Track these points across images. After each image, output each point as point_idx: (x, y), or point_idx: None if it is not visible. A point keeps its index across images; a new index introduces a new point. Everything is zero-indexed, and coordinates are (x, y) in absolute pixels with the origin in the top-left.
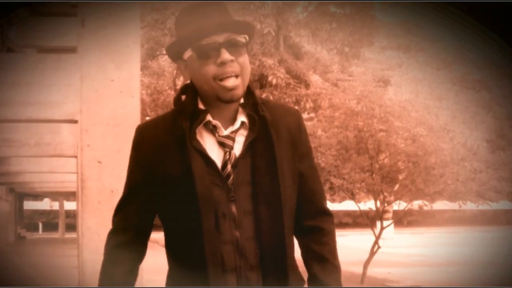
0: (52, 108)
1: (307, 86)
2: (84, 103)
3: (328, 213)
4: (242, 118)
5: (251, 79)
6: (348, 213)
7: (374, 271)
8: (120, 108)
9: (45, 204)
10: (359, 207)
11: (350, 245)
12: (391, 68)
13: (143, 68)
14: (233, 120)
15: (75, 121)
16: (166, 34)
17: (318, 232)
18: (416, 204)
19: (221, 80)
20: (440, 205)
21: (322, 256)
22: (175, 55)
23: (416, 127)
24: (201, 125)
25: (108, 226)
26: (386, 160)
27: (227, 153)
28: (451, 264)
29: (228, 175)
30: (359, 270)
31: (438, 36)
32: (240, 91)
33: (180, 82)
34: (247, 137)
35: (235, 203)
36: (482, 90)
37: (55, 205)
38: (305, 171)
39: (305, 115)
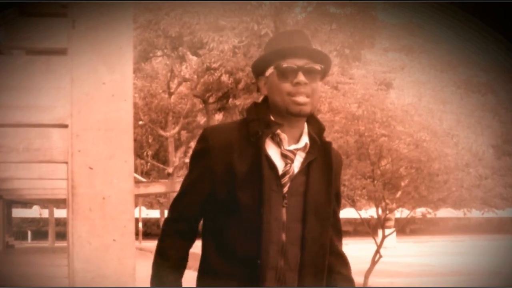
0: (41, 112)
1: None
2: (74, 107)
3: (341, 249)
4: (306, 139)
5: (249, 82)
6: (348, 221)
7: (375, 281)
8: (112, 112)
9: (35, 212)
10: (360, 215)
11: (350, 254)
12: (393, 71)
13: (136, 70)
14: (298, 139)
15: (66, 126)
16: (160, 35)
17: (341, 257)
18: (419, 211)
19: (293, 96)
20: (444, 212)
21: (347, 277)
22: (259, 71)
23: (419, 132)
24: (269, 136)
25: (100, 234)
26: (388, 166)
27: (288, 165)
28: (455, 274)
29: (285, 184)
30: (360, 280)
31: (442, 38)
32: (308, 108)
33: (174, 85)
34: (307, 157)
35: (287, 210)
36: (488, 93)
37: (45, 213)
38: (335, 207)
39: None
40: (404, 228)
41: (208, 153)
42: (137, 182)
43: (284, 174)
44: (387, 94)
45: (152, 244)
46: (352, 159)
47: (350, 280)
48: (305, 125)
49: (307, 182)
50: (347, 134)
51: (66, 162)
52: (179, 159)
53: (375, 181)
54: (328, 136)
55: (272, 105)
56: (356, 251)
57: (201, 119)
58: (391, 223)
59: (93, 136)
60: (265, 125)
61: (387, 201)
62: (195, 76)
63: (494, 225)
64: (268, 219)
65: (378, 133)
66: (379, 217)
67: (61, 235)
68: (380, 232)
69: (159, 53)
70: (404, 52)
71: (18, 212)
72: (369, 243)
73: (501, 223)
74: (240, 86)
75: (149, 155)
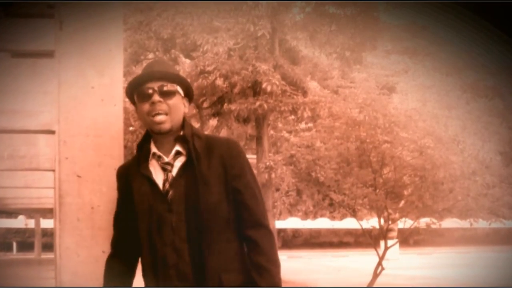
0: (27, 117)
1: (304, 93)
2: (62, 112)
3: (264, 226)
4: (177, 147)
5: (245, 86)
6: (349, 232)
7: None
8: (101, 117)
9: (20, 222)
10: (361, 225)
11: (351, 266)
12: (396, 74)
13: (126, 74)
14: (171, 149)
15: (53, 132)
16: (151, 37)
17: (252, 243)
18: (423, 222)
19: (153, 116)
20: (449, 223)
21: (257, 264)
22: (130, 99)
23: (424, 138)
24: (150, 156)
25: (88, 245)
26: (390, 174)
27: (166, 175)
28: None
29: (167, 192)
30: None
31: (447, 39)
32: (167, 125)
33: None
34: (183, 162)
35: (173, 214)
36: (496, 98)
37: (31, 223)
38: (240, 188)
39: (302, 125)
40: (408, 239)
41: (119, 190)
42: None
43: (164, 183)
44: (390, 98)
45: None
46: (353, 167)
47: (257, 265)
48: (180, 133)
49: (185, 184)
50: (348, 140)
51: (53, 170)
52: None
53: (377, 190)
54: (328, 143)
55: (149, 129)
56: (357, 263)
57: (195, 125)
58: (394, 233)
59: (81, 143)
60: (146, 150)
61: (390, 210)
62: (188, 80)
63: (502, 236)
64: (155, 228)
65: (380, 140)
66: (381, 227)
67: (48, 247)
68: (382, 243)
69: (150, 55)
70: (407, 55)
71: (3, 223)
72: (370, 255)
73: (510, 234)
74: (236, 90)
75: None
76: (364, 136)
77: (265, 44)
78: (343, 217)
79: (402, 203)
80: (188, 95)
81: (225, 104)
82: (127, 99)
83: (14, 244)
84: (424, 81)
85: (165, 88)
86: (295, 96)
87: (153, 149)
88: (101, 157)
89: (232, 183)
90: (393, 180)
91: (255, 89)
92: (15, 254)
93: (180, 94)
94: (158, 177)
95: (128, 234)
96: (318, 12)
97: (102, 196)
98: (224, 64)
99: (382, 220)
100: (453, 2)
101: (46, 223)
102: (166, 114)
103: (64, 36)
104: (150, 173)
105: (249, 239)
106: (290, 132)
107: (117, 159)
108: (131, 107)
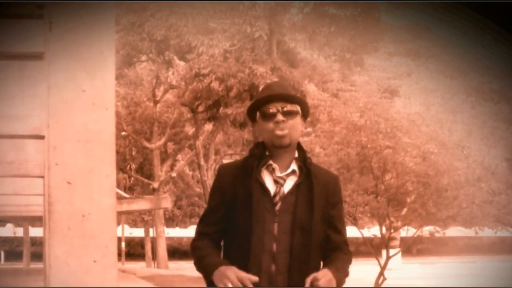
0: (16, 122)
1: (303, 97)
2: (51, 117)
3: (346, 243)
4: (294, 167)
5: (241, 89)
6: (350, 240)
7: None
8: (92, 122)
9: (8, 231)
10: (362, 234)
11: (352, 277)
12: (398, 77)
13: (119, 77)
14: (288, 166)
15: (42, 137)
16: (144, 38)
17: (336, 251)
18: (426, 230)
19: (275, 132)
20: (454, 231)
21: (337, 258)
22: (253, 118)
23: (427, 144)
24: (264, 166)
25: (79, 255)
26: (392, 181)
27: (278, 188)
28: None
29: (276, 203)
30: None
31: (452, 41)
32: (287, 140)
33: (160, 93)
34: (296, 181)
35: (278, 224)
36: (502, 101)
37: (19, 232)
38: (334, 214)
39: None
40: (410, 248)
41: (218, 186)
42: (119, 198)
43: (275, 196)
44: (392, 102)
45: (136, 266)
46: (353, 173)
47: (337, 269)
48: (295, 154)
49: (296, 202)
50: (348, 146)
51: (43, 177)
52: (166, 173)
53: (379, 197)
54: (327, 148)
55: (265, 142)
56: (358, 273)
57: (189, 130)
58: (396, 242)
59: (72, 148)
60: (259, 159)
61: (392, 218)
62: (183, 83)
63: (509, 244)
64: (259, 233)
65: (382, 145)
66: (383, 236)
67: (37, 256)
68: (384, 252)
69: (143, 57)
70: (410, 57)
71: None
72: (372, 265)
73: None
74: (232, 93)
75: (133, 168)
76: (365, 141)
77: (263, 46)
78: None
79: (404, 210)
80: (305, 114)
81: (221, 108)
82: (119, 103)
83: (2, 253)
84: (428, 84)
85: (287, 109)
86: None
87: (269, 161)
88: (92, 163)
89: (330, 211)
90: (395, 187)
91: (252, 92)
92: (2, 264)
93: (299, 114)
94: (269, 187)
95: (220, 230)
96: (317, 13)
97: (94, 203)
98: (220, 67)
99: (384, 229)
100: (456, 2)
101: (35, 232)
102: (288, 131)
103: (53, 37)
104: (264, 181)
105: (338, 254)
106: None
107: (109, 165)
108: (123, 111)
